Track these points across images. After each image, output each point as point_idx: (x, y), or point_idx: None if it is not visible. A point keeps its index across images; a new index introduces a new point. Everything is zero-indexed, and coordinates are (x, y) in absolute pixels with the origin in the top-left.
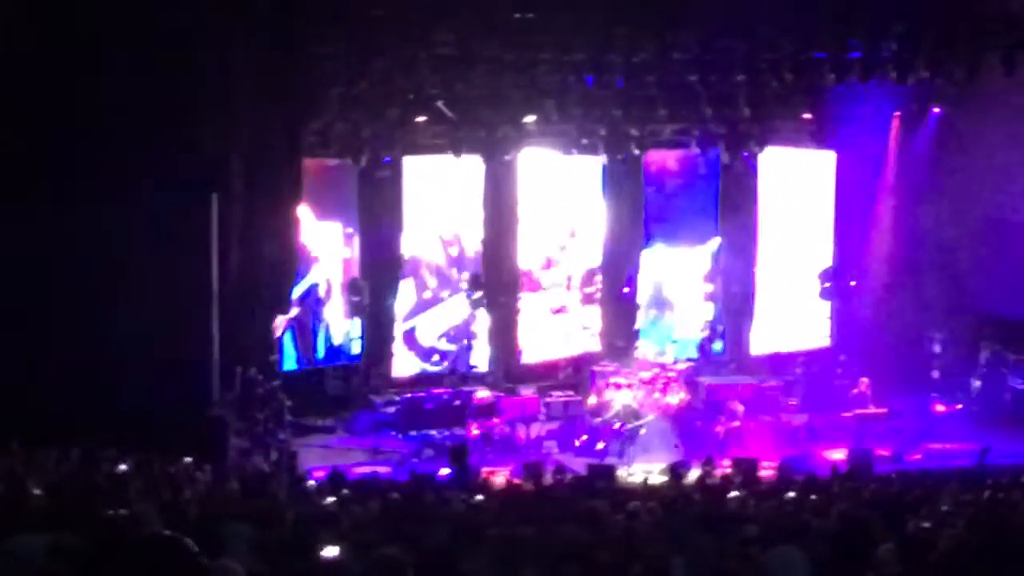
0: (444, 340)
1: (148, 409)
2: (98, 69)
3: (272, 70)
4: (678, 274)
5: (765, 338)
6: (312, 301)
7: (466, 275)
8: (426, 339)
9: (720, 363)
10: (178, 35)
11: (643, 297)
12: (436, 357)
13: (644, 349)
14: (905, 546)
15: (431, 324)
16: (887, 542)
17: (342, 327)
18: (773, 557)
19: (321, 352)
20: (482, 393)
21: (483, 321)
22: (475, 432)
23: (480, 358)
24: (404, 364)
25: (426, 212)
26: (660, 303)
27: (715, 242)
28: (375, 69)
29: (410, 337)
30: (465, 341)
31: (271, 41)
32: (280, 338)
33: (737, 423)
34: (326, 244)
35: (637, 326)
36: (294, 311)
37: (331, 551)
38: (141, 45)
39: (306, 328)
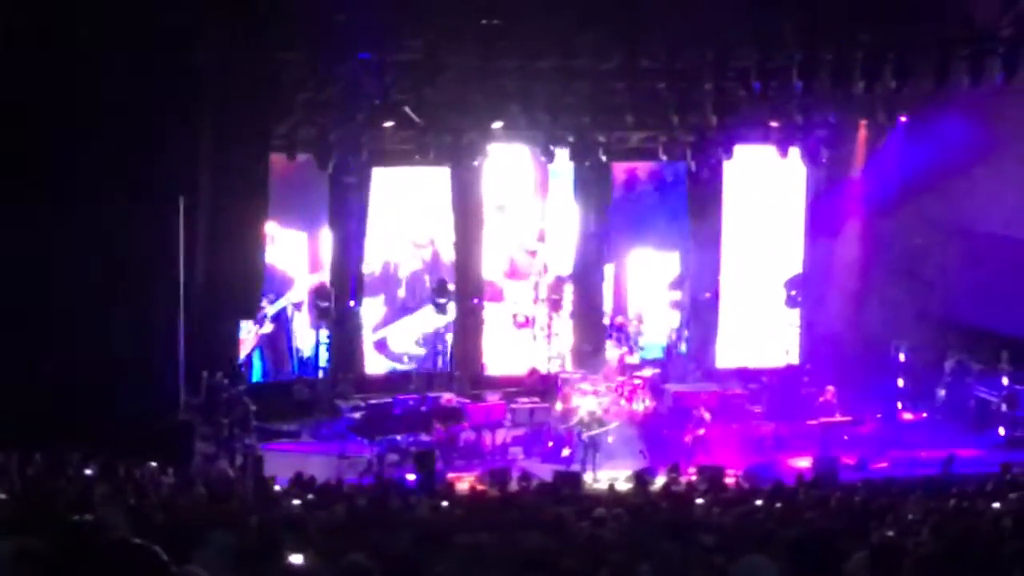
0: (415, 345)
1: (114, 413)
2: (67, 74)
3: (239, 75)
4: (645, 281)
5: (731, 351)
6: (285, 318)
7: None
8: (398, 347)
9: (686, 371)
10: (144, 42)
11: (610, 304)
12: (406, 358)
13: (611, 355)
14: (873, 555)
15: (403, 333)
16: (853, 551)
17: (310, 338)
18: (741, 567)
19: (294, 367)
20: (448, 395)
21: (449, 327)
22: (440, 430)
23: (443, 360)
24: (375, 364)
25: (395, 219)
26: (627, 310)
27: (674, 257)
28: (342, 74)
29: (381, 344)
30: (440, 346)
31: (237, 46)
32: (249, 353)
33: (703, 431)
34: (293, 253)
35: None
36: (268, 327)
37: (296, 558)
38: (108, 51)
39: (278, 345)
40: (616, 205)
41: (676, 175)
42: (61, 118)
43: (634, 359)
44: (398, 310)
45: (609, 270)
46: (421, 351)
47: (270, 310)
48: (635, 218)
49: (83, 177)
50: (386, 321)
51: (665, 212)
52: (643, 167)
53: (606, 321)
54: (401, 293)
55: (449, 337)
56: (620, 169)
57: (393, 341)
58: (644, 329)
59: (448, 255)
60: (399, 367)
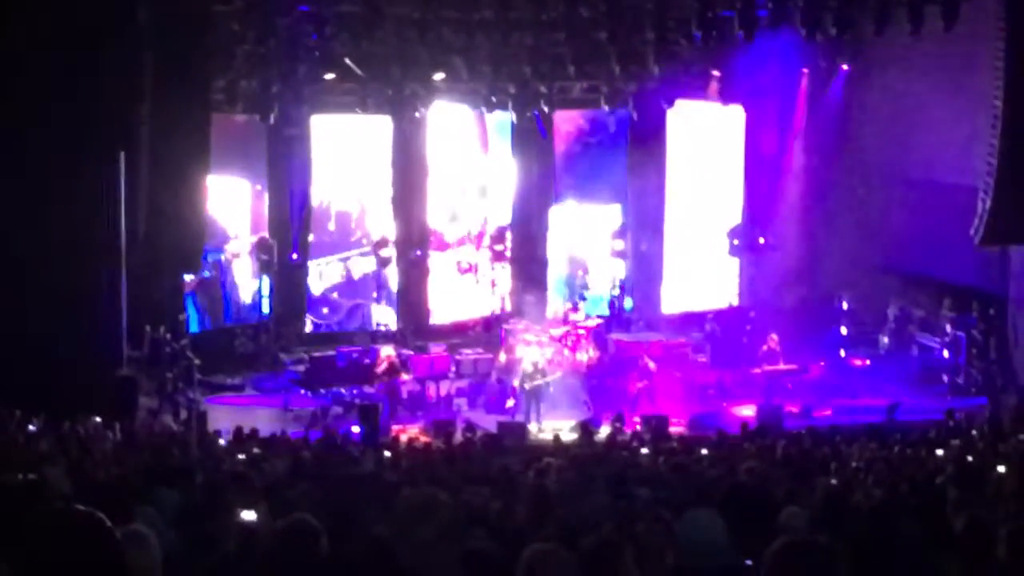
0: (335, 294)
1: (57, 369)
2: (5, 30)
3: (178, 28)
4: (588, 231)
5: (675, 297)
6: (221, 267)
7: (368, 234)
8: (316, 288)
9: (630, 320)
10: None
11: (554, 254)
12: (325, 310)
13: (554, 305)
14: (816, 505)
15: (324, 273)
16: (797, 500)
17: (250, 286)
18: (686, 521)
19: (228, 314)
20: (386, 351)
21: (391, 279)
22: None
23: (387, 315)
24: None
25: (335, 170)
26: (571, 260)
27: (616, 208)
28: (281, 26)
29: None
30: (364, 300)
31: (177, 1)
32: (196, 302)
33: (647, 381)
34: (234, 206)
35: (548, 283)
36: (202, 274)
37: (248, 515)
38: (47, 7)
39: (211, 290)
40: (558, 155)
41: (619, 125)
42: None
43: (579, 315)
44: (323, 246)
45: (552, 218)
46: (342, 302)
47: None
48: (577, 168)
49: (22, 131)
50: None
51: (607, 162)
52: (586, 116)
53: (549, 271)
54: (331, 228)
55: (385, 287)
56: (563, 119)
57: (314, 283)
58: (589, 281)
59: (382, 207)
60: (316, 320)
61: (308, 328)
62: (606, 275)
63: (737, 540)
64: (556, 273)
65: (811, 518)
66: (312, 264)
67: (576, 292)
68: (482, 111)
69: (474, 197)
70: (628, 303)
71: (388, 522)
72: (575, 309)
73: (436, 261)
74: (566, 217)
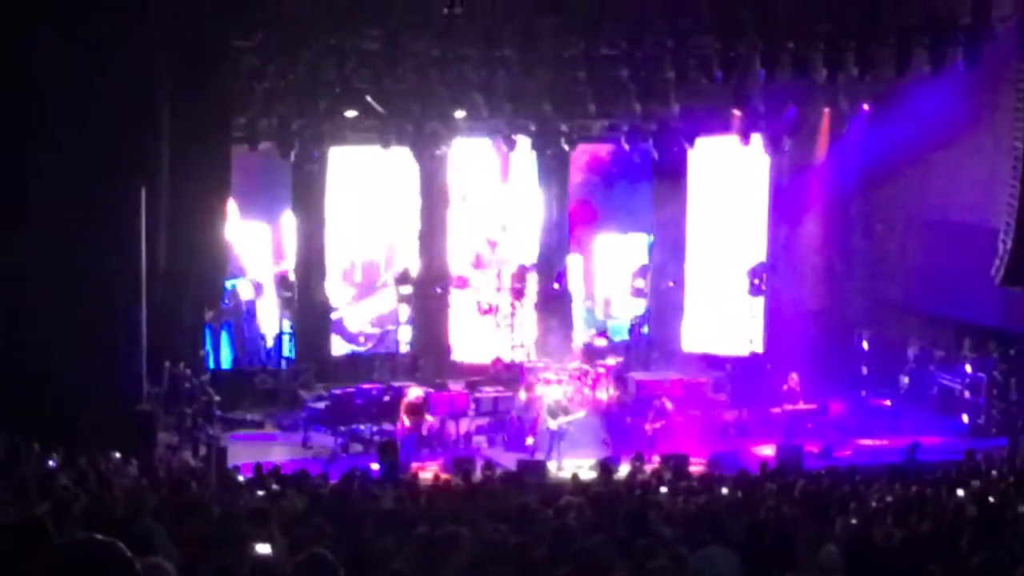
0: (369, 325)
1: (76, 403)
2: (28, 66)
3: (199, 65)
4: (610, 267)
5: (695, 336)
6: (247, 307)
7: (392, 271)
8: (354, 326)
9: (650, 359)
10: (104, 33)
11: (577, 289)
12: (362, 339)
13: (578, 339)
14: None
15: (359, 314)
16: (818, 539)
17: (273, 327)
18: (700, 557)
19: (249, 350)
20: (414, 392)
21: (410, 314)
22: (405, 426)
23: (406, 340)
24: (336, 346)
25: (356, 205)
26: (594, 291)
27: (641, 238)
28: (302, 62)
29: (338, 325)
30: (391, 327)
31: (197, 35)
32: (218, 336)
33: (663, 422)
34: (254, 243)
35: (573, 319)
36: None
37: (263, 548)
38: (70, 44)
39: (233, 325)
40: (581, 189)
41: (643, 157)
42: (22, 109)
43: (602, 342)
44: (356, 295)
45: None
46: (375, 331)
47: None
48: (601, 202)
49: (45, 167)
50: (344, 305)
51: (631, 196)
52: (608, 154)
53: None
54: (357, 277)
55: (404, 319)
56: (584, 151)
57: (349, 322)
58: (612, 313)
59: (405, 243)
60: (355, 348)
61: (341, 351)
62: (626, 311)
63: None
64: (579, 304)
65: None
66: (348, 311)
67: (599, 323)
68: (503, 149)
69: (496, 234)
70: (645, 328)
71: (406, 558)
72: (600, 335)
73: (457, 298)
74: (589, 249)
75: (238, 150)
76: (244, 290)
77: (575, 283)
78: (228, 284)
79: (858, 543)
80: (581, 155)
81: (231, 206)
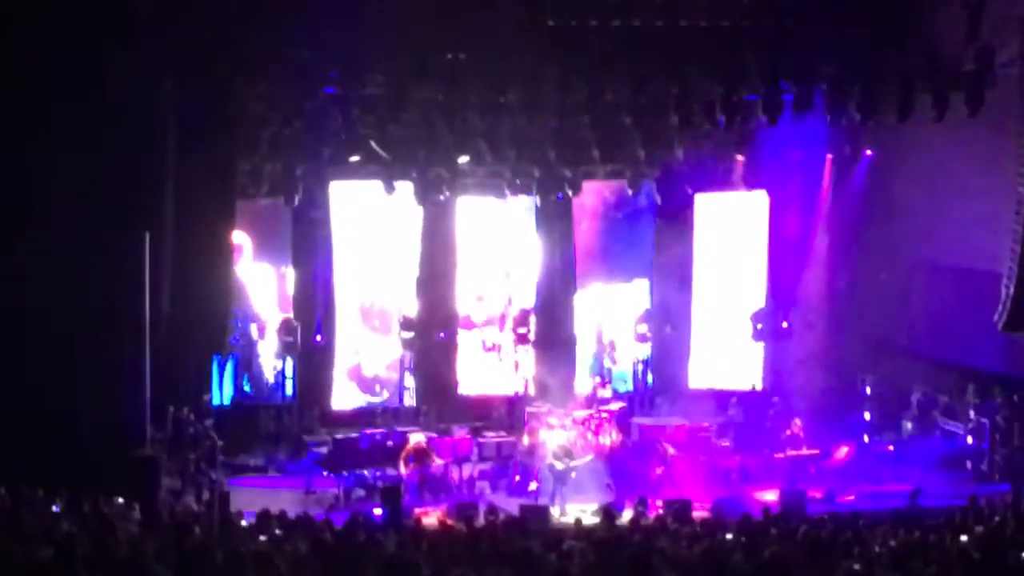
0: (387, 370)
1: (79, 448)
2: (34, 111)
3: (204, 111)
4: (614, 313)
5: (701, 374)
6: (247, 338)
7: (396, 316)
8: (370, 370)
9: (653, 403)
10: (113, 77)
11: (583, 335)
12: (378, 387)
13: (582, 383)
14: None
15: (377, 356)
16: None
17: (273, 366)
18: None
19: (253, 393)
20: (416, 437)
21: (413, 360)
22: (407, 472)
23: (411, 395)
24: (345, 398)
25: (361, 250)
26: (599, 337)
27: (643, 284)
28: (306, 110)
29: (355, 370)
30: (407, 373)
31: (202, 83)
32: (222, 371)
33: (666, 466)
34: (260, 284)
35: (577, 364)
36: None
37: None
38: (75, 88)
39: (248, 364)
40: (584, 238)
41: (649, 198)
42: (27, 154)
43: (606, 392)
44: (371, 338)
45: (578, 301)
46: (392, 375)
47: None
48: (605, 243)
49: (49, 211)
50: (358, 349)
51: (634, 245)
52: (614, 199)
53: (578, 352)
54: (376, 323)
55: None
56: (589, 191)
57: (366, 366)
58: (617, 357)
59: (411, 288)
60: (371, 399)
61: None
62: (629, 355)
63: None
64: (585, 349)
65: None
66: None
67: (604, 369)
68: (506, 195)
69: (499, 279)
70: (650, 378)
71: None
72: (604, 385)
73: (462, 339)
74: (591, 296)
75: (242, 195)
76: (252, 331)
77: (581, 328)
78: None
79: None
80: (588, 198)
81: (245, 248)
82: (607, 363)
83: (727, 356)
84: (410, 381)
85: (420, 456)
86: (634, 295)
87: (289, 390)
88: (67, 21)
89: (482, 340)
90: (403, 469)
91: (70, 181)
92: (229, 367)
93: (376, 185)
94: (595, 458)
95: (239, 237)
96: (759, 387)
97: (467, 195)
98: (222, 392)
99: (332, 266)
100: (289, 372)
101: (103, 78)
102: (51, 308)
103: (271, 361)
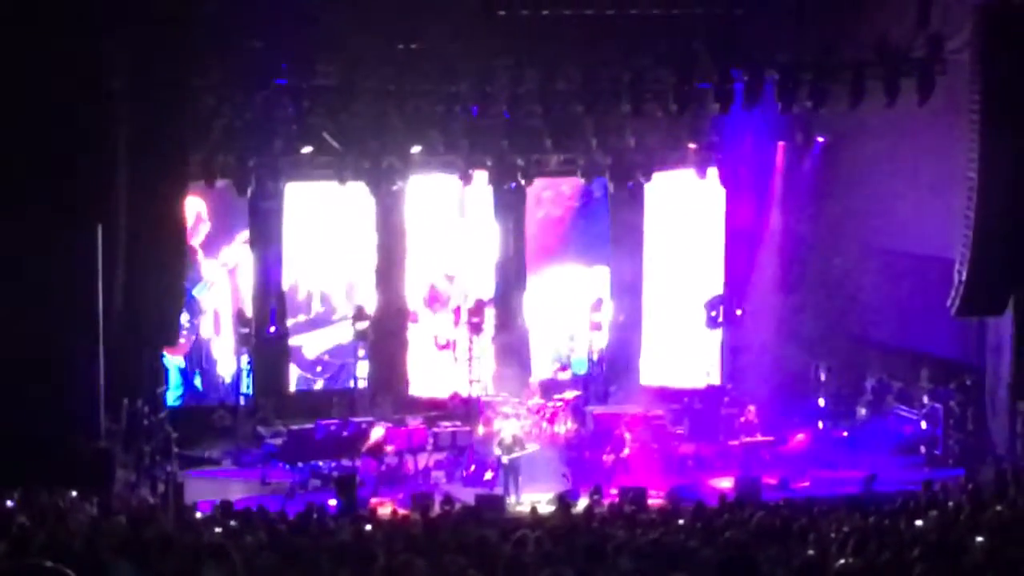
0: (327, 356)
1: (34, 441)
2: None
3: (155, 102)
4: (568, 301)
5: (653, 369)
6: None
7: (350, 305)
8: (311, 353)
9: (607, 392)
10: (62, 67)
11: (537, 320)
12: (319, 368)
13: (540, 372)
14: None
15: (316, 342)
16: (774, 571)
17: (230, 364)
18: None
19: (207, 388)
20: (376, 433)
21: (367, 350)
22: (364, 465)
23: (364, 375)
24: (292, 378)
25: (313, 240)
26: (556, 326)
27: (603, 271)
28: (258, 100)
29: (296, 353)
30: (351, 359)
31: (153, 73)
32: (166, 372)
33: (626, 451)
34: (213, 276)
35: (531, 354)
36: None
37: None
38: (27, 77)
39: (195, 365)
40: (541, 222)
41: (604, 190)
42: None
43: (566, 375)
44: (312, 322)
45: (530, 288)
46: (334, 361)
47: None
48: (561, 233)
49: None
50: (299, 331)
51: (591, 229)
52: (568, 188)
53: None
54: (318, 308)
55: (361, 354)
56: (544, 185)
57: (307, 350)
58: (574, 346)
59: (361, 279)
60: (311, 376)
61: (292, 388)
62: (584, 345)
63: None
64: (543, 338)
65: None
66: (304, 338)
67: (563, 357)
68: (460, 184)
69: (452, 269)
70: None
71: None
72: (564, 369)
73: (414, 333)
74: (550, 283)
75: (194, 185)
76: (204, 326)
77: (536, 317)
78: (185, 320)
79: (812, 571)
80: (543, 189)
81: (198, 241)
82: (566, 350)
83: (680, 349)
84: (362, 370)
85: (376, 451)
86: (593, 281)
87: (245, 383)
88: (16, 18)
89: (435, 336)
90: (360, 462)
91: (21, 175)
92: (181, 362)
93: (330, 186)
94: (550, 447)
95: (194, 210)
96: (714, 380)
97: (419, 174)
98: (181, 387)
99: (281, 257)
100: (244, 364)
101: (55, 70)
102: (5, 302)
103: (225, 355)
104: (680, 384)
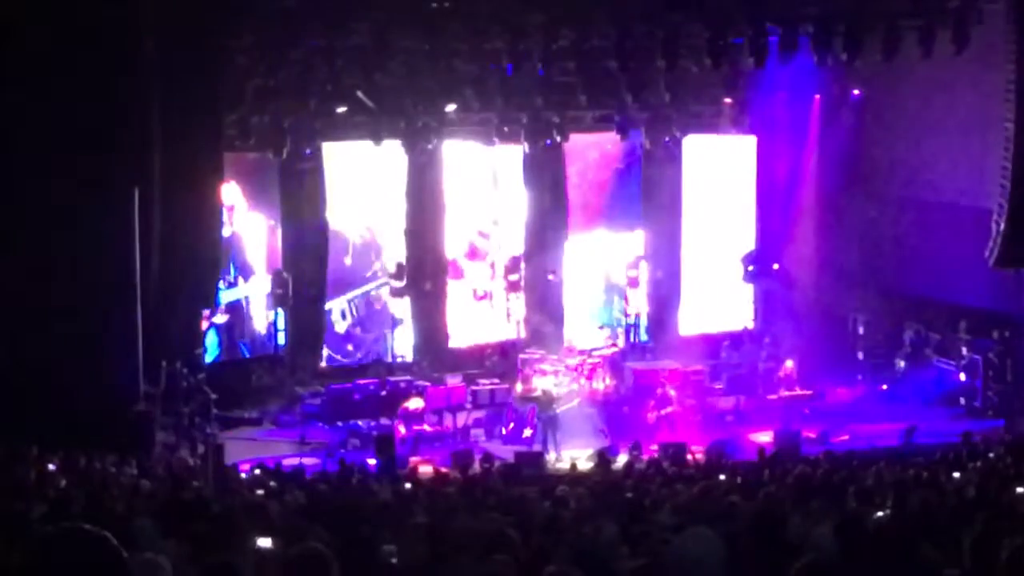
0: (359, 329)
1: (73, 405)
2: (18, 69)
3: (189, 64)
4: (606, 260)
5: (692, 320)
6: (240, 305)
7: (384, 264)
8: (340, 326)
9: (645, 348)
10: (95, 33)
11: (582, 281)
12: (350, 347)
13: (578, 329)
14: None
15: (346, 312)
16: (814, 524)
17: (265, 318)
18: (685, 538)
19: (245, 347)
20: (415, 404)
21: (406, 310)
22: (402, 431)
23: (404, 346)
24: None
25: (349, 200)
26: (609, 287)
27: (639, 230)
28: (292, 60)
29: (328, 329)
30: (387, 331)
31: (186, 35)
32: (205, 331)
33: (670, 408)
34: (251, 235)
35: (568, 310)
36: (221, 318)
37: (264, 542)
38: (59, 43)
39: (232, 330)
40: (573, 184)
41: (632, 153)
42: (13, 113)
43: (604, 332)
44: (342, 281)
45: (568, 247)
46: (365, 336)
47: (225, 297)
48: (604, 194)
49: (36, 170)
50: (331, 293)
51: (622, 191)
52: (601, 145)
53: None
54: (348, 262)
55: (401, 317)
56: (588, 144)
57: (336, 318)
58: (612, 303)
59: (396, 237)
60: (341, 359)
61: (324, 364)
62: (625, 299)
63: (747, 562)
64: (581, 296)
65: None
66: (335, 303)
67: (601, 314)
68: (495, 142)
69: (488, 227)
70: (643, 335)
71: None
72: (614, 335)
73: (453, 288)
74: (589, 242)
75: (229, 148)
76: (243, 287)
77: (578, 274)
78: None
79: (851, 525)
80: (587, 148)
81: (238, 206)
82: (603, 306)
83: (717, 299)
84: (399, 337)
85: (413, 417)
86: (631, 239)
87: (281, 342)
88: None
89: (473, 289)
90: (401, 428)
91: (57, 140)
92: (221, 322)
93: (365, 145)
94: (589, 403)
95: (232, 195)
96: (751, 327)
97: (454, 139)
98: (219, 352)
99: (324, 216)
100: (281, 325)
101: (88, 35)
102: (42, 267)
103: (261, 315)
104: (718, 329)
